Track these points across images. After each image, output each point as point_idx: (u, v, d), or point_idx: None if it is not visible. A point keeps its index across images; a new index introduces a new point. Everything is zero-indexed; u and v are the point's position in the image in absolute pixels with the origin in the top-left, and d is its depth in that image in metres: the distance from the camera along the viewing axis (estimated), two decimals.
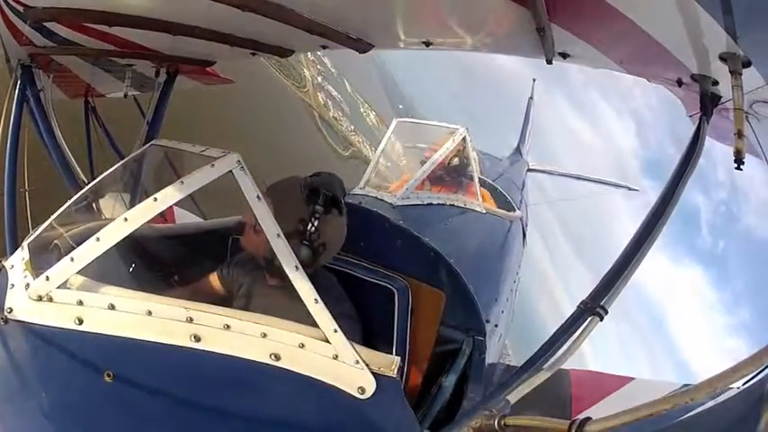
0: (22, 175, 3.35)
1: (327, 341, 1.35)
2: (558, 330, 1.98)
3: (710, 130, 1.96)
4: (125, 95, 3.96)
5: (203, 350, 1.31)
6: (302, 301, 1.37)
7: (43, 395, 1.21)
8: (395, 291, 2.02)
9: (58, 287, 1.34)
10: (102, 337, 1.30)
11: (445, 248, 2.19)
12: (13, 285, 1.39)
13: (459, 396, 1.98)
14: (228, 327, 1.35)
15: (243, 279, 1.96)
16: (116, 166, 1.91)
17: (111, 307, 1.33)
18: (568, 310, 1.91)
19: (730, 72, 1.55)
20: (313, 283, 1.40)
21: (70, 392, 1.24)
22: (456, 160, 3.77)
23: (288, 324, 1.38)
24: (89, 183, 3.03)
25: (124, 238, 1.37)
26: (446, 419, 1.89)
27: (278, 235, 1.39)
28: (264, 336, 1.35)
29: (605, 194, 8.71)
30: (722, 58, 1.55)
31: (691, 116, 2.21)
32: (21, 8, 2.30)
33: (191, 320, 1.34)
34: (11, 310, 1.32)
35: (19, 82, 3.28)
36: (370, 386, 1.33)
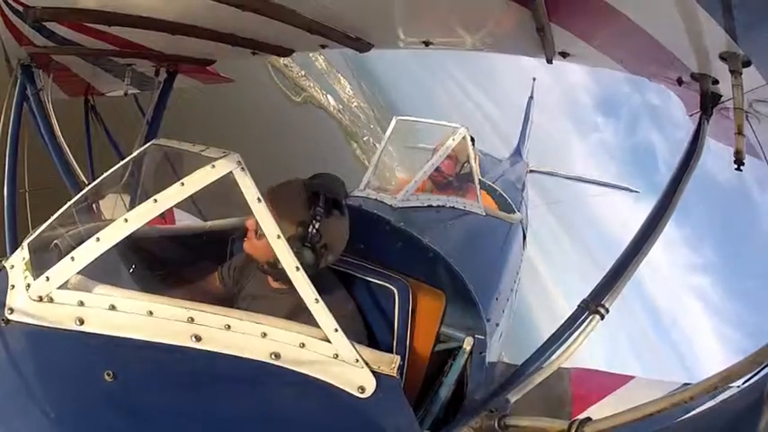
0: (22, 175, 3.35)
1: (328, 340, 1.36)
2: (558, 329, 1.98)
3: (710, 130, 1.96)
4: (125, 94, 3.96)
5: (204, 350, 1.31)
6: (303, 301, 1.37)
7: (44, 395, 1.21)
8: (395, 290, 2.02)
9: (59, 287, 1.34)
10: (103, 337, 1.30)
11: (445, 250, 2.19)
12: (13, 286, 1.39)
13: (460, 396, 1.98)
14: (229, 327, 1.35)
15: (243, 280, 1.96)
16: (116, 167, 1.91)
17: (112, 307, 1.33)
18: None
19: (730, 71, 1.55)
20: (316, 283, 1.40)
21: (71, 393, 1.24)
22: (463, 166, 3.77)
23: (288, 324, 1.38)
24: (89, 182, 3.04)
25: (124, 239, 1.37)
26: (446, 419, 1.89)
27: (278, 236, 1.39)
28: (265, 335, 1.35)
29: (605, 195, 8.70)
30: (722, 58, 1.55)
31: (691, 115, 2.21)
32: (21, 8, 2.30)
33: (191, 320, 1.34)
34: (11, 311, 1.32)
35: (19, 81, 3.28)
36: (371, 385, 1.34)
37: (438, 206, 3.35)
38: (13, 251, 1.55)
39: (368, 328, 1.87)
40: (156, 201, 1.38)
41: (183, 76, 3.98)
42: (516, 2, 1.67)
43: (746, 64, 1.52)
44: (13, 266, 1.47)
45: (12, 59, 3.35)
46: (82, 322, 1.30)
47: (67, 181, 3.15)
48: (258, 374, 1.33)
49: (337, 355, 1.35)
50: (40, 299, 1.33)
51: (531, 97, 9.90)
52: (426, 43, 2.44)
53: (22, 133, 3.31)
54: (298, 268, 1.37)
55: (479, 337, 2.16)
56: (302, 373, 1.33)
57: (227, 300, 1.94)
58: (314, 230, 1.69)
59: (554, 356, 1.97)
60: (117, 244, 1.37)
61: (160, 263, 2.01)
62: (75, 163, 3.40)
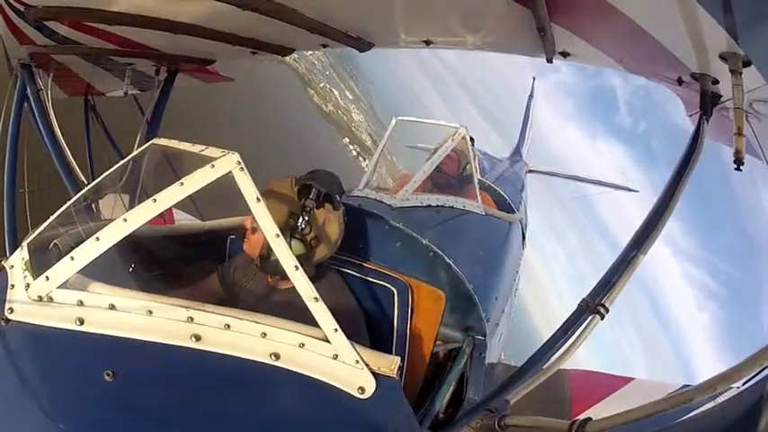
0: (22, 174, 3.35)
1: (327, 341, 1.35)
2: (558, 330, 1.97)
3: (710, 129, 1.96)
4: (125, 94, 3.96)
5: (203, 350, 1.31)
6: (302, 301, 1.37)
7: (44, 395, 1.21)
8: (394, 291, 2.02)
9: (59, 287, 1.34)
10: (103, 336, 1.30)
11: (445, 250, 2.19)
12: (13, 285, 1.39)
13: (460, 396, 1.98)
14: (229, 326, 1.35)
15: (243, 279, 1.96)
16: (116, 166, 1.91)
17: (112, 307, 1.33)
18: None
19: (730, 71, 1.55)
20: (317, 283, 1.40)
21: (71, 392, 1.24)
22: (465, 168, 3.76)
23: (288, 324, 1.38)
24: (89, 182, 3.04)
25: (124, 239, 1.36)
26: (446, 419, 1.89)
27: (277, 235, 1.38)
28: (264, 335, 1.35)
29: (604, 194, 8.71)
30: (722, 58, 1.55)
31: (691, 115, 2.21)
32: (22, 7, 2.30)
33: (191, 320, 1.34)
34: (11, 311, 1.32)
35: (19, 81, 3.28)
36: (370, 386, 1.33)
37: (437, 206, 3.35)
38: (12, 251, 1.55)
39: (368, 328, 1.87)
40: (155, 200, 1.37)
41: (183, 75, 3.98)
42: (517, 1, 1.67)
43: (746, 64, 1.52)
44: (12, 266, 1.47)
45: (12, 59, 3.35)
46: (81, 322, 1.30)
47: (67, 181, 3.15)
48: (257, 374, 1.33)
49: (337, 356, 1.35)
50: (40, 298, 1.33)
51: (531, 96, 9.88)
52: (427, 42, 2.43)
53: (22, 133, 3.31)
54: (297, 267, 1.37)
55: (479, 337, 2.16)
56: (302, 374, 1.32)
57: (227, 299, 1.94)
58: (303, 222, 1.72)
59: (554, 357, 1.98)
60: (116, 244, 1.36)
61: (160, 262, 2.01)
62: (74, 163, 3.40)
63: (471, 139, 3.77)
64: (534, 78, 10.13)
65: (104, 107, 4.43)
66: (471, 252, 2.97)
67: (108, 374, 1.20)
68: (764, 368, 1.20)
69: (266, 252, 1.71)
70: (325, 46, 2.77)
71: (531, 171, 8.02)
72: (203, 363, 1.32)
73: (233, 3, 1.97)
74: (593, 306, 1.88)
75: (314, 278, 1.41)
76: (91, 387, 1.22)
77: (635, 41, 1.76)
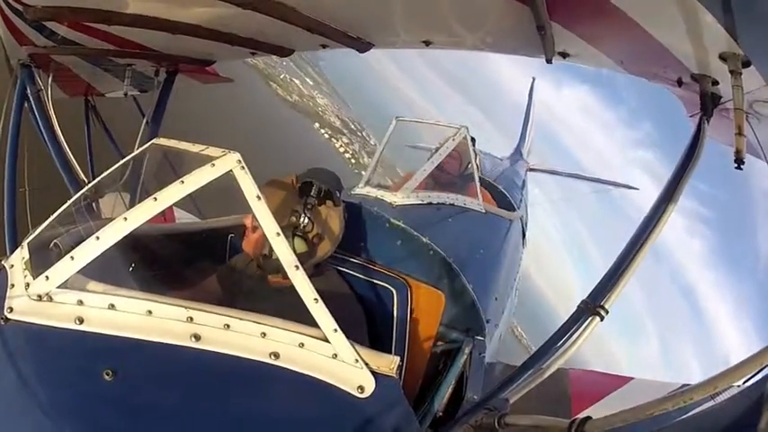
0: (22, 174, 3.35)
1: (327, 340, 1.35)
2: (558, 330, 1.98)
3: (710, 130, 1.96)
4: (125, 95, 3.96)
5: (203, 349, 1.31)
6: (302, 301, 1.37)
7: (43, 394, 1.21)
8: (394, 290, 2.02)
9: (58, 286, 1.34)
10: (103, 336, 1.30)
11: (445, 248, 2.19)
12: (13, 285, 1.39)
13: (459, 395, 1.98)
14: (228, 326, 1.35)
15: (243, 279, 1.96)
16: (116, 166, 1.91)
17: (112, 306, 1.33)
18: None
19: (730, 72, 1.55)
20: (318, 282, 1.40)
21: (70, 392, 1.24)
22: (467, 167, 3.77)
23: (287, 323, 1.38)
24: (89, 182, 3.04)
25: (124, 238, 1.36)
26: (446, 419, 1.89)
27: (278, 234, 1.39)
28: (264, 335, 1.35)
29: (604, 193, 8.72)
30: (722, 58, 1.55)
31: (691, 116, 2.21)
32: (21, 7, 2.30)
33: (191, 320, 1.34)
34: (11, 310, 1.32)
35: (19, 81, 3.28)
36: (370, 385, 1.33)
37: (438, 204, 3.35)
38: (12, 251, 1.55)
39: (367, 328, 1.87)
40: (155, 199, 1.38)
41: (183, 75, 3.98)
42: (517, 1, 1.67)
43: (746, 64, 1.52)
44: (12, 266, 1.47)
45: (12, 59, 3.35)
46: (81, 321, 1.30)
47: (67, 180, 3.15)
48: (257, 374, 1.33)
49: (336, 355, 1.35)
50: (40, 298, 1.33)
51: (531, 96, 9.89)
52: (427, 43, 2.43)
53: (22, 133, 3.31)
54: (297, 267, 1.37)
55: (479, 337, 2.16)
56: (301, 373, 1.33)
57: (227, 299, 1.94)
58: (306, 219, 1.72)
59: (554, 357, 1.98)
60: (117, 243, 1.37)
61: (160, 262, 2.01)
62: (75, 163, 3.41)
63: (472, 139, 3.78)
64: (534, 79, 10.14)
65: (104, 107, 4.44)
66: (471, 250, 2.98)
67: (107, 374, 1.20)
68: (764, 368, 1.20)
69: (268, 251, 1.71)
70: (324, 46, 2.77)
71: (531, 170, 8.03)
72: (203, 362, 1.32)
73: (232, 2, 1.97)
74: (592, 307, 1.89)
75: (313, 277, 1.41)
76: (90, 387, 1.22)
77: (635, 42, 1.76)
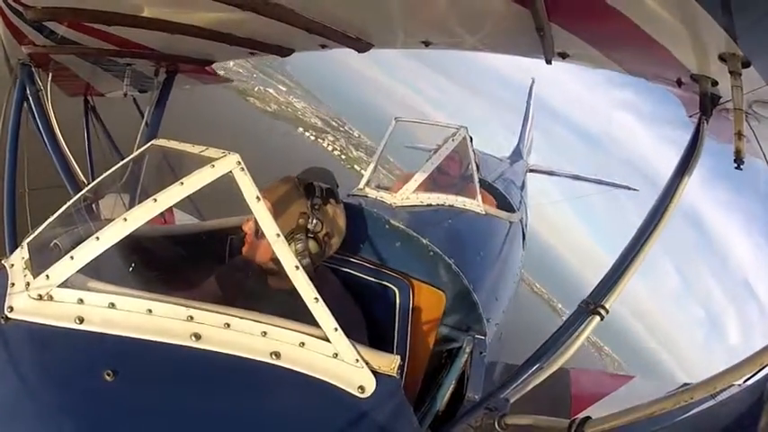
0: (22, 174, 3.35)
1: (327, 340, 1.35)
2: (558, 330, 1.98)
3: (710, 130, 1.96)
4: (125, 95, 3.96)
5: (203, 349, 1.31)
6: (303, 301, 1.37)
7: (43, 394, 1.21)
8: (396, 290, 2.02)
9: (59, 286, 1.34)
10: (103, 335, 1.30)
11: (445, 249, 2.19)
12: (13, 284, 1.39)
13: (460, 395, 1.98)
14: (228, 325, 1.35)
15: (243, 279, 1.96)
16: (116, 167, 1.91)
17: (112, 306, 1.33)
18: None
19: (730, 72, 1.55)
20: (315, 283, 1.40)
21: (70, 392, 1.24)
22: (468, 168, 3.77)
23: (288, 323, 1.38)
24: (89, 182, 3.04)
25: (124, 239, 1.36)
26: (446, 419, 1.89)
27: (277, 235, 1.39)
28: (265, 334, 1.35)
29: (604, 193, 8.72)
30: (722, 58, 1.55)
31: (691, 116, 2.21)
32: (21, 7, 2.30)
33: (191, 319, 1.34)
34: (11, 309, 1.32)
35: (18, 81, 3.28)
36: (370, 385, 1.33)
37: (438, 205, 3.35)
38: (12, 251, 1.55)
39: (368, 327, 1.87)
40: (155, 200, 1.37)
41: (183, 75, 3.98)
42: (516, 2, 1.67)
43: (746, 65, 1.52)
44: (13, 265, 1.47)
45: (12, 59, 3.35)
46: (81, 321, 1.30)
47: (67, 181, 3.15)
48: (257, 374, 1.33)
49: (337, 355, 1.35)
50: (40, 297, 1.33)
51: (531, 97, 9.89)
52: (426, 43, 2.43)
53: (22, 133, 3.31)
54: (297, 267, 1.37)
55: (479, 337, 2.16)
56: (302, 373, 1.33)
57: (227, 299, 1.94)
58: (315, 220, 1.75)
59: (554, 356, 1.98)
60: (116, 244, 1.36)
61: (160, 262, 2.01)
62: (74, 163, 3.40)
63: (470, 139, 3.78)
64: (533, 79, 10.14)
65: (104, 107, 4.44)
66: (471, 251, 2.98)
67: (108, 374, 1.20)
68: (764, 367, 1.20)
69: (271, 254, 1.71)
70: (323, 46, 2.77)
71: (531, 170, 8.03)
72: (203, 362, 1.32)
73: (232, 3, 1.97)
74: (593, 307, 1.89)
75: (313, 277, 1.41)
76: (91, 386, 1.22)
77: (634, 43, 1.76)
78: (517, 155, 8.34)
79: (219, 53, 3.29)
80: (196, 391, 1.31)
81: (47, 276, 1.34)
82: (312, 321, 1.36)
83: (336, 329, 1.35)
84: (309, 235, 1.74)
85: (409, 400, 1.44)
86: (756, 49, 1.44)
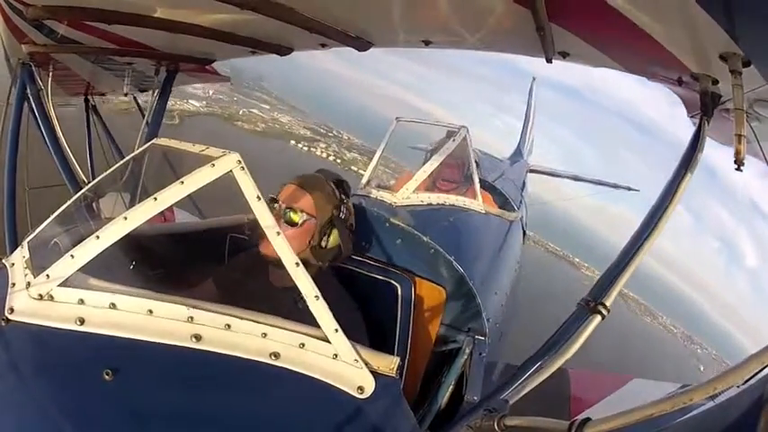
0: (23, 173, 3.35)
1: (327, 341, 1.35)
2: (558, 330, 1.97)
3: (710, 130, 1.96)
4: (125, 94, 3.96)
5: (203, 350, 1.31)
6: (304, 301, 1.37)
7: (44, 394, 1.21)
8: (398, 286, 2.02)
9: (59, 285, 1.34)
10: (103, 336, 1.30)
11: (445, 247, 2.19)
12: (13, 284, 1.39)
13: (460, 396, 1.98)
14: (229, 326, 1.35)
15: (244, 278, 1.96)
16: (116, 166, 1.91)
17: (112, 306, 1.33)
18: None
19: (730, 71, 1.55)
20: (316, 283, 1.40)
21: (70, 392, 1.24)
22: (468, 168, 3.77)
23: (288, 323, 1.38)
24: (89, 181, 3.04)
25: (124, 237, 1.36)
26: (446, 419, 1.89)
27: (278, 233, 1.39)
28: (265, 335, 1.35)
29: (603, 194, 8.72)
30: (722, 58, 1.54)
31: (691, 116, 2.21)
32: (21, 6, 2.30)
33: (191, 320, 1.33)
34: (12, 311, 1.32)
35: (19, 80, 3.28)
36: (370, 386, 1.33)
37: (438, 204, 3.35)
38: (13, 250, 1.55)
39: (370, 325, 1.87)
40: (156, 199, 1.37)
41: (183, 75, 3.98)
42: (516, 2, 1.66)
43: (746, 64, 1.51)
44: (13, 264, 1.47)
45: (12, 58, 3.35)
46: (82, 321, 1.30)
47: (68, 180, 3.15)
48: (257, 374, 1.33)
49: (337, 356, 1.35)
50: (41, 297, 1.33)
51: (531, 97, 9.88)
52: (426, 42, 2.43)
53: (23, 132, 3.31)
54: (298, 264, 1.37)
55: (479, 337, 2.16)
56: (301, 374, 1.33)
57: (228, 299, 1.94)
58: (346, 211, 1.88)
59: (554, 357, 1.97)
60: (117, 242, 1.36)
61: (160, 261, 2.01)
62: (75, 162, 3.41)
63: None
64: (534, 79, 10.13)
65: (104, 107, 4.44)
66: (471, 251, 2.98)
67: (108, 374, 1.20)
68: (765, 368, 1.20)
69: (317, 240, 1.81)
70: (324, 45, 2.77)
71: (531, 170, 8.03)
72: (203, 363, 1.32)
73: (232, 2, 1.96)
74: (593, 306, 1.88)
75: (313, 278, 1.41)
76: (91, 387, 1.22)
77: (634, 42, 1.76)
78: (517, 155, 8.34)
79: (220, 52, 3.28)
80: (195, 391, 1.31)
81: (47, 275, 1.34)
82: (312, 321, 1.36)
83: (337, 330, 1.35)
84: (346, 226, 1.85)
85: (409, 400, 1.44)
86: (757, 48, 1.44)
